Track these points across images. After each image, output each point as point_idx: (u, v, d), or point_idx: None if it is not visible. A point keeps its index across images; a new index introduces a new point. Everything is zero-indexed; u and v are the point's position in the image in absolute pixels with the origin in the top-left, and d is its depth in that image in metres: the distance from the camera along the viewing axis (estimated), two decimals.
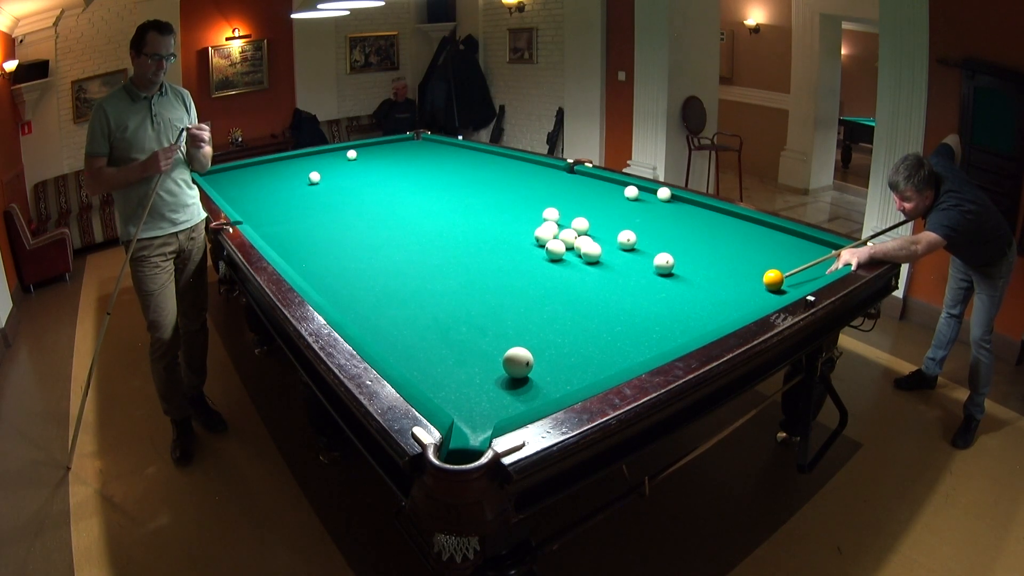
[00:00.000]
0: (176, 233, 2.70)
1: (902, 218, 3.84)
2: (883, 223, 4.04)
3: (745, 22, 7.36)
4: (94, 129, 2.51)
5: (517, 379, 1.67)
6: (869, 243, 2.42)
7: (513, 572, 1.51)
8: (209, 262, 3.16)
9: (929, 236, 2.45)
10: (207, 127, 2.68)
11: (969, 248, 2.64)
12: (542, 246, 2.62)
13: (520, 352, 1.66)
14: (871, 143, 4.40)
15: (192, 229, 2.79)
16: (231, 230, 2.81)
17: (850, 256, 2.31)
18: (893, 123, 3.87)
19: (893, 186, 2.58)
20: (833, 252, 2.41)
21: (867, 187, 4.24)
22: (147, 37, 2.47)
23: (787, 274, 2.23)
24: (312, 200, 3.53)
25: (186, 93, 2.76)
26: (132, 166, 2.53)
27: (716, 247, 2.65)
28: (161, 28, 2.49)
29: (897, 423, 2.99)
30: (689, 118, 5.58)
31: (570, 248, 2.57)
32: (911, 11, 3.63)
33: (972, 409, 2.85)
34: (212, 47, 6.47)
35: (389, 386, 1.55)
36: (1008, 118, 3.29)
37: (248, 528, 2.41)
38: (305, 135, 6.96)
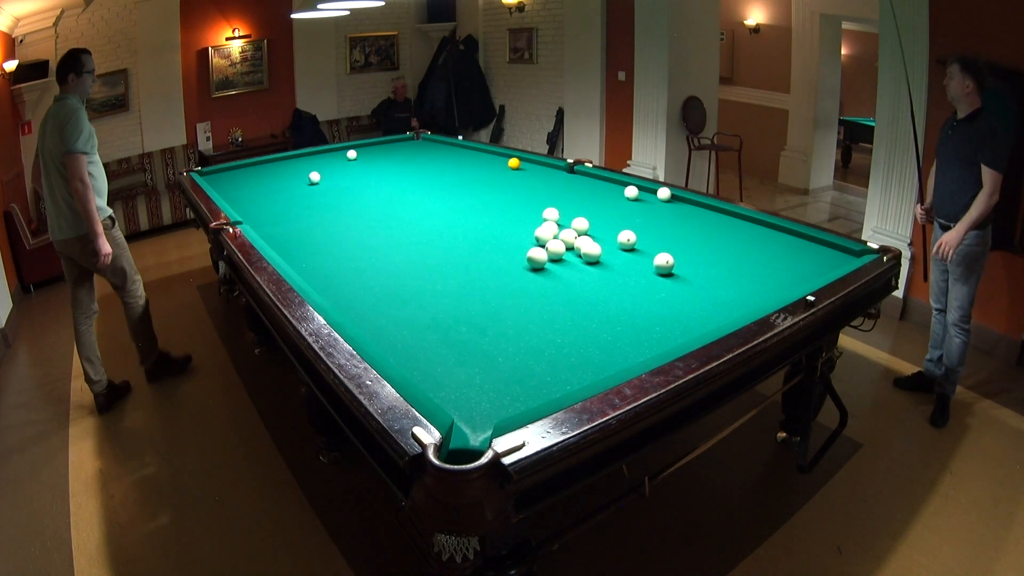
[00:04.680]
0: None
1: (902, 216, 3.84)
2: (883, 223, 4.05)
3: (745, 22, 7.36)
4: (84, 128, 2.78)
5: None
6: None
7: (513, 572, 1.51)
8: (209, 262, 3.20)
9: (994, 179, 2.67)
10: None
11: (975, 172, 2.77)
12: (543, 246, 2.62)
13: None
14: (871, 143, 4.40)
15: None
16: (231, 230, 2.82)
17: (947, 246, 2.74)
18: (893, 123, 3.87)
19: (945, 61, 2.87)
20: (940, 243, 2.80)
21: (867, 187, 4.24)
22: (83, 58, 2.91)
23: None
24: (312, 200, 3.53)
25: None
26: (96, 220, 2.90)
27: (716, 247, 2.65)
28: (87, 51, 2.97)
29: (897, 423, 2.99)
30: (689, 118, 5.58)
31: (570, 248, 2.57)
32: (911, 11, 3.63)
33: (946, 387, 2.97)
34: (212, 47, 6.47)
35: (389, 386, 1.55)
36: (1008, 118, 3.28)
37: (248, 528, 2.41)
38: (305, 135, 6.95)
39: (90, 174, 2.86)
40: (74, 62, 2.88)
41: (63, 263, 3.11)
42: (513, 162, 4.03)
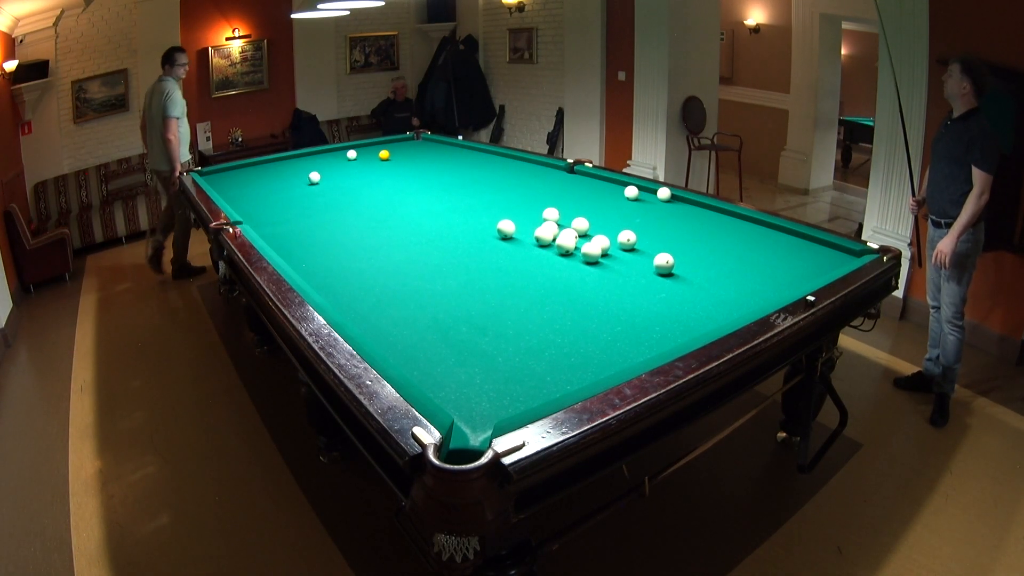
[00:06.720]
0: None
1: (902, 216, 3.85)
2: (883, 223, 4.05)
3: (745, 22, 7.36)
4: (177, 101, 4.42)
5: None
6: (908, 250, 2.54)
7: (513, 572, 1.50)
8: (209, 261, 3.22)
9: (983, 180, 2.68)
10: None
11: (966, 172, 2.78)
12: (543, 246, 2.62)
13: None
14: (871, 143, 4.40)
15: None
16: (231, 230, 2.82)
17: (943, 254, 2.75)
18: (893, 123, 3.87)
19: (946, 61, 2.86)
20: (936, 251, 2.82)
21: (867, 187, 4.24)
22: (176, 55, 4.51)
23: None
24: (312, 200, 3.53)
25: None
26: (177, 160, 4.48)
27: (716, 247, 2.65)
28: (182, 49, 4.64)
29: (897, 423, 2.99)
30: (689, 118, 5.58)
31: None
32: (911, 11, 3.62)
33: (945, 386, 2.97)
34: (212, 47, 6.47)
35: (389, 386, 1.55)
36: (1008, 118, 3.28)
37: (248, 528, 2.41)
38: (305, 135, 6.95)
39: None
40: (168, 57, 4.49)
41: (159, 182, 4.73)
42: (383, 154, 4.45)
